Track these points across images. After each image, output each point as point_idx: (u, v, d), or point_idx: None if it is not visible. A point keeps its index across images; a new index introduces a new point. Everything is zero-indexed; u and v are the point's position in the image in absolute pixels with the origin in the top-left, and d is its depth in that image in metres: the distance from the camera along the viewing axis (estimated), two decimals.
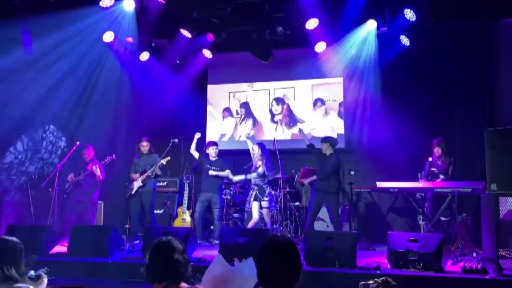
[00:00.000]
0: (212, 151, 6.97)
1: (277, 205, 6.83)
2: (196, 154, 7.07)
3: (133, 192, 6.81)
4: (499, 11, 6.47)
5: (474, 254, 5.37)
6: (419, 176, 6.69)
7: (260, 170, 6.68)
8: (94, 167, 6.86)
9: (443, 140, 6.46)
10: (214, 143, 7.08)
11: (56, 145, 8.08)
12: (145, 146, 6.96)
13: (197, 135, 7.06)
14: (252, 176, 6.75)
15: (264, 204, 6.64)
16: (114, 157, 6.98)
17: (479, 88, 7.37)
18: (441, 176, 6.36)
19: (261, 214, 6.76)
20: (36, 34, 6.73)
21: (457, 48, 7.15)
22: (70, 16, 6.61)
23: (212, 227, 7.14)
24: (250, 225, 6.69)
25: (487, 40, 7.23)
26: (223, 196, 7.46)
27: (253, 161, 6.89)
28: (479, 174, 6.49)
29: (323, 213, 6.84)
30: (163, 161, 6.79)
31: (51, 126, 7.99)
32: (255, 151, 6.86)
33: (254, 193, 6.71)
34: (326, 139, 6.73)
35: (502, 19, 6.78)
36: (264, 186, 6.71)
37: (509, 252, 5.05)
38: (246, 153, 7.59)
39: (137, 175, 6.86)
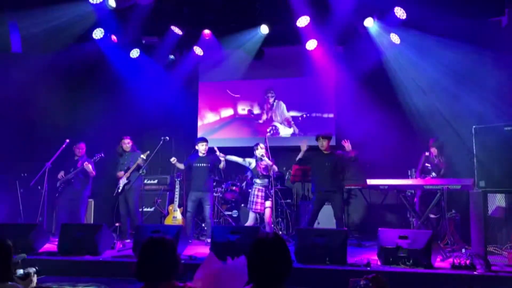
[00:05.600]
0: (201, 148, 6.80)
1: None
2: (181, 166, 6.89)
3: (119, 190, 6.79)
4: (486, 10, 6.54)
5: (463, 250, 5.42)
6: (409, 174, 6.72)
7: (272, 170, 6.47)
8: (85, 163, 6.81)
9: (438, 140, 6.46)
10: (203, 139, 6.92)
11: None
12: (126, 143, 6.95)
13: (173, 161, 6.80)
14: (265, 182, 6.51)
15: (268, 203, 6.47)
16: (103, 154, 6.94)
17: (468, 85, 7.43)
18: (433, 174, 6.40)
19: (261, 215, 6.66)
20: (24, 29, 6.65)
21: (446, 47, 7.20)
22: (59, 11, 6.54)
23: (203, 225, 7.12)
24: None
25: (476, 38, 7.30)
26: (214, 193, 7.43)
27: (258, 164, 6.56)
28: (468, 171, 6.55)
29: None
30: (143, 156, 6.70)
31: None
32: (262, 150, 6.52)
33: (262, 194, 6.46)
34: (327, 135, 6.28)
35: (490, 18, 6.85)
36: (269, 186, 6.55)
37: (497, 248, 5.11)
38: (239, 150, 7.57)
39: (121, 173, 6.86)
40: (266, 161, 6.49)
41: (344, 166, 6.33)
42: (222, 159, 6.59)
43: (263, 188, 6.54)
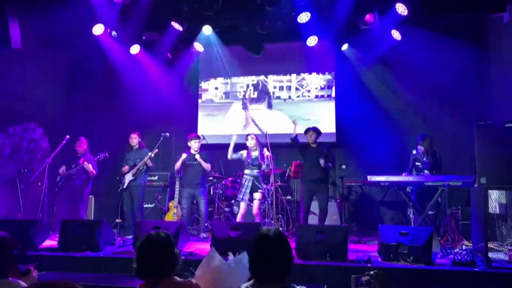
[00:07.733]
0: (194, 145, 6.74)
1: (268, 199, 6.80)
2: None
3: (125, 187, 6.78)
4: (488, 6, 6.51)
5: (464, 247, 5.42)
6: None
7: (264, 163, 6.45)
8: (85, 163, 6.76)
9: (427, 138, 6.37)
10: (196, 136, 6.87)
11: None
12: (133, 138, 6.93)
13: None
14: (254, 172, 6.52)
15: (257, 195, 6.48)
16: (107, 154, 6.89)
17: (470, 82, 7.42)
18: (426, 172, 6.35)
19: (250, 207, 6.65)
20: (24, 25, 6.62)
21: (448, 43, 7.19)
22: (60, 6, 6.51)
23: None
24: (239, 218, 6.52)
25: (477, 35, 7.28)
26: (215, 190, 7.42)
27: (248, 154, 6.59)
28: (469, 168, 6.53)
29: (314, 207, 6.83)
30: (151, 154, 6.72)
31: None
32: (252, 141, 6.56)
33: (249, 184, 6.47)
34: (314, 129, 6.49)
35: (491, 14, 6.82)
36: (260, 177, 6.57)
37: (498, 245, 5.11)
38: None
39: (127, 167, 6.84)
40: (256, 154, 6.51)
41: (332, 159, 6.42)
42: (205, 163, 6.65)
43: (251, 179, 6.51)
